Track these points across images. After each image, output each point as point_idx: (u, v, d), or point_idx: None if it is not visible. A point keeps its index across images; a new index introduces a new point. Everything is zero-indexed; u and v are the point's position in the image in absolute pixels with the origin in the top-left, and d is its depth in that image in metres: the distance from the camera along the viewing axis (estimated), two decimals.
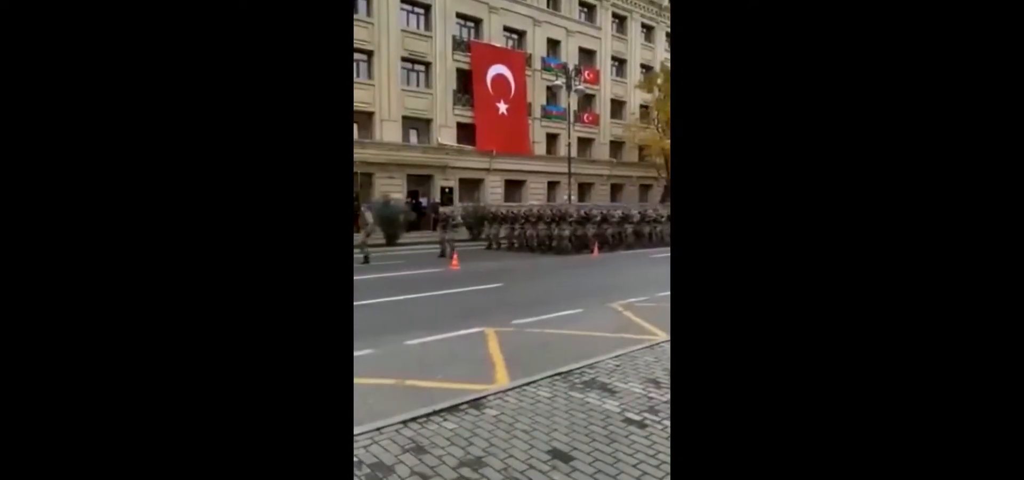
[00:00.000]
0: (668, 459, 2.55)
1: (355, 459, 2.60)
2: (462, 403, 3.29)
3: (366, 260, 11.75)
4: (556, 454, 2.65)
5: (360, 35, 21.08)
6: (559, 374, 3.86)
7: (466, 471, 2.49)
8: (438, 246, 13.76)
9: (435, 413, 3.14)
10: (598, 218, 15.17)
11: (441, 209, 15.19)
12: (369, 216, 13.18)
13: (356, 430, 2.89)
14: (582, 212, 15.20)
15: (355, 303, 6.97)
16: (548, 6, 27.34)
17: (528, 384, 3.66)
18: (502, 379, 4.04)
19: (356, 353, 4.69)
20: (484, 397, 3.41)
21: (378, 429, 2.93)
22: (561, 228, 14.29)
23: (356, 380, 4.00)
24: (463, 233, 17.32)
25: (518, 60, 25.96)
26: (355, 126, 21.34)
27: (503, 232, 15.95)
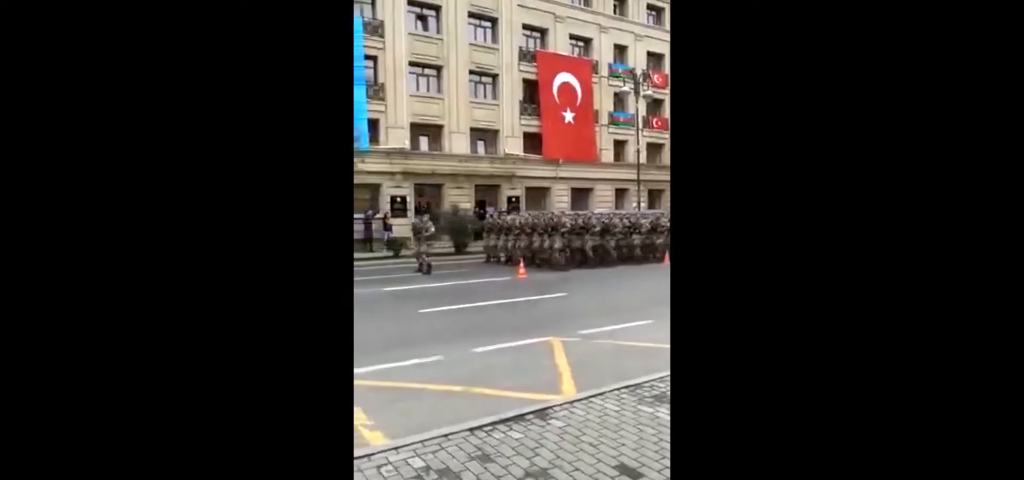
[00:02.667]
0: None
1: (423, 464, 2.66)
2: (528, 412, 3.28)
3: (426, 270, 11.77)
4: (624, 470, 2.57)
5: (430, 51, 21.82)
6: (627, 387, 3.76)
7: None
8: (415, 261, 12.54)
9: (501, 421, 3.15)
10: (665, 227, 14.36)
11: (414, 221, 13.19)
12: (431, 226, 12.82)
13: (424, 436, 2.96)
14: (628, 221, 14.17)
15: (425, 310, 7.22)
16: (615, 12, 27.02)
17: (595, 396, 3.59)
18: (568, 390, 3.99)
19: (426, 359, 4.82)
20: (550, 407, 3.38)
21: (446, 436, 2.97)
22: (552, 240, 12.79)
23: (425, 386, 4.10)
24: (441, 245, 15.99)
25: (584, 67, 25.80)
26: (426, 139, 22.08)
27: (500, 244, 14.36)
